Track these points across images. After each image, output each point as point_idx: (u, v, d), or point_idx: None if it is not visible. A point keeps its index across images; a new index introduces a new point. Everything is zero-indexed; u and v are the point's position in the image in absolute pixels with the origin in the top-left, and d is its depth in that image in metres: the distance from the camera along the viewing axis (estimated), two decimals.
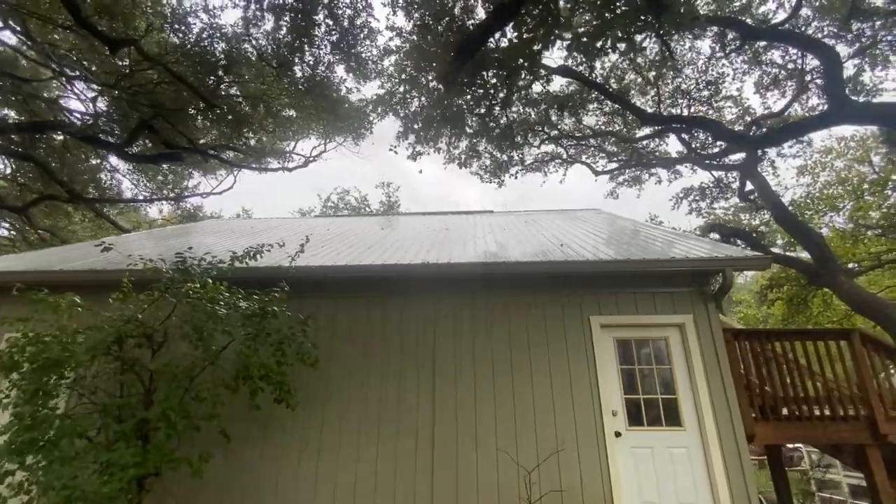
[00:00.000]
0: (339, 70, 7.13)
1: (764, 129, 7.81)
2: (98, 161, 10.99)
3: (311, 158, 9.23)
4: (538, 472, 4.67)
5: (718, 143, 8.42)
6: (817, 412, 5.05)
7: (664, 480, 4.68)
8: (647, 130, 8.55)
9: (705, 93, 8.56)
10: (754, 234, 9.63)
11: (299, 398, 4.69)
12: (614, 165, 9.48)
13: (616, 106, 8.12)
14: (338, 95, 7.00)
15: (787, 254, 6.79)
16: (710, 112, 8.86)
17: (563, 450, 4.70)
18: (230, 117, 6.48)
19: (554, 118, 9.41)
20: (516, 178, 10.79)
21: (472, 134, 9.00)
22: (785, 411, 5.10)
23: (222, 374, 4.33)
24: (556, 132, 9.35)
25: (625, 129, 8.93)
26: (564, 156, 9.70)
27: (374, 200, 19.96)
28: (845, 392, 5.11)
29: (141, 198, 10.64)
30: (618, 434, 4.83)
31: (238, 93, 6.57)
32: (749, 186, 7.73)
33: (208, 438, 4.36)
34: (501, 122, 9.06)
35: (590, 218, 9.58)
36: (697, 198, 10.36)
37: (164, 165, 8.79)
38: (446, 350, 5.29)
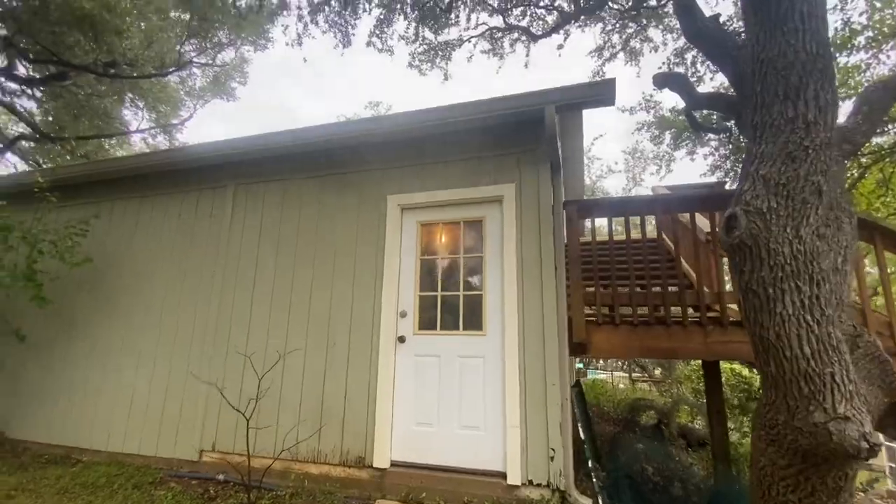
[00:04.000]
0: None
1: None
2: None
3: (174, 67, 8.41)
4: (298, 388, 3.86)
5: None
6: (698, 316, 3.41)
7: (448, 398, 3.56)
8: None
9: None
10: None
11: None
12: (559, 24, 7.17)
13: None
14: None
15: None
16: None
17: (277, 355, 3.82)
18: (84, 25, 5.87)
19: None
20: (469, 60, 9.01)
21: (382, 5, 7.47)
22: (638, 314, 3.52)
23: None
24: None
25: None
26: (504, 28, 7.62)
27: None
28: None
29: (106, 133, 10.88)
30: (402, 339, 3.75)
31: None
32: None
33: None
34: None
35: None
36: (697, 59, 7.66)
37: (62, 85, 8.64)
38: (235, 248, 4.50)
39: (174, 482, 3.79)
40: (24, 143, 10.98)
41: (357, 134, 4.08)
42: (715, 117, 8.13)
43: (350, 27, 7.23)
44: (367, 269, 3.95)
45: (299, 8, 7.02)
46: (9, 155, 11.01)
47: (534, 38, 7.64)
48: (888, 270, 2.96)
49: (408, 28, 8.00)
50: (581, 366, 12.41)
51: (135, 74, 8.20)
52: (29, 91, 9.59)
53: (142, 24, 7.41)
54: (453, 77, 8.94)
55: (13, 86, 8.44)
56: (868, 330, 2.27)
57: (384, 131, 3.96)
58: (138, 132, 13.53)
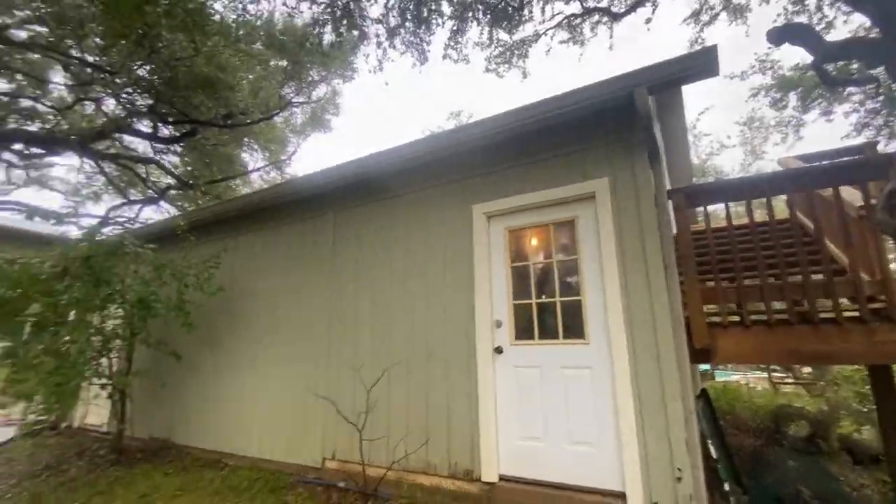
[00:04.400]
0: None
1: None
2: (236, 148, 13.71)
3: (274, 113, 9.19)
4: (404, 400, 3.97)
5: None
6: (856, 310, 2.80)
7: (553, 411, 3.38)
8: None
9: None
10: None
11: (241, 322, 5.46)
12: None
13: None
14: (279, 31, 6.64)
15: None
16: None
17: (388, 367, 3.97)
18: (191, 85, 6.92)
19: None
20: (548, 54, 8.68)
21: (454, 16, 7.55)
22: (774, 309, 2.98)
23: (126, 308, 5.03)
24: None
25: None
26: (582, 13, 7.10)
27: None
28: None
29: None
30: (499, 350, 3.66)
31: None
32: None
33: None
34: None
35: None
36: (823, 1, 6.32)
37: (185, 142, 10.09)
38: (338, 269, 4.82)
39: (302, 487, 4.12)
40: (172, 191, 13.17)
41: (440, 147, 4.11)
42: (855, 66, 6.79)
43: (425, 44, 7.42)
44: (458, 280, 3.95)
45: (377, 35, 7.40)
46: (162, 203, 13.32)
47: (616, 17, 7.09)
48: None
49: (481, 33, 7.99)
50: (707, 367, 11.10)
51: (247, 121, 9.38)
52: (172, 148, 11.51)
53: (250, 75, 8.52)
54: (531, 74, 8.69)
55: (160, 145, 10.27)
56: None
57: (472, 138, 3.91)
58: (255, 171, 15.45)
